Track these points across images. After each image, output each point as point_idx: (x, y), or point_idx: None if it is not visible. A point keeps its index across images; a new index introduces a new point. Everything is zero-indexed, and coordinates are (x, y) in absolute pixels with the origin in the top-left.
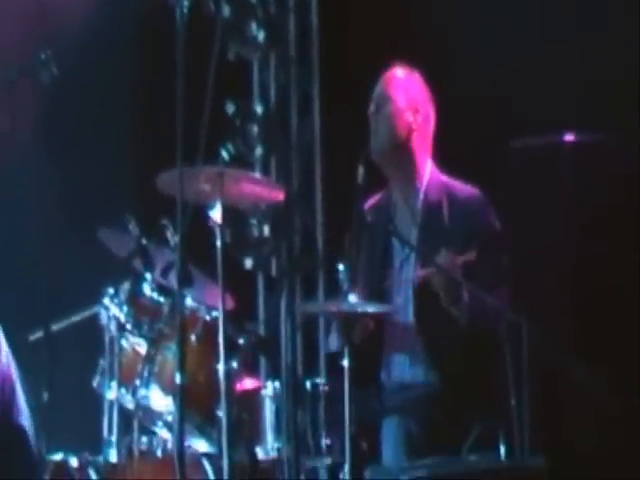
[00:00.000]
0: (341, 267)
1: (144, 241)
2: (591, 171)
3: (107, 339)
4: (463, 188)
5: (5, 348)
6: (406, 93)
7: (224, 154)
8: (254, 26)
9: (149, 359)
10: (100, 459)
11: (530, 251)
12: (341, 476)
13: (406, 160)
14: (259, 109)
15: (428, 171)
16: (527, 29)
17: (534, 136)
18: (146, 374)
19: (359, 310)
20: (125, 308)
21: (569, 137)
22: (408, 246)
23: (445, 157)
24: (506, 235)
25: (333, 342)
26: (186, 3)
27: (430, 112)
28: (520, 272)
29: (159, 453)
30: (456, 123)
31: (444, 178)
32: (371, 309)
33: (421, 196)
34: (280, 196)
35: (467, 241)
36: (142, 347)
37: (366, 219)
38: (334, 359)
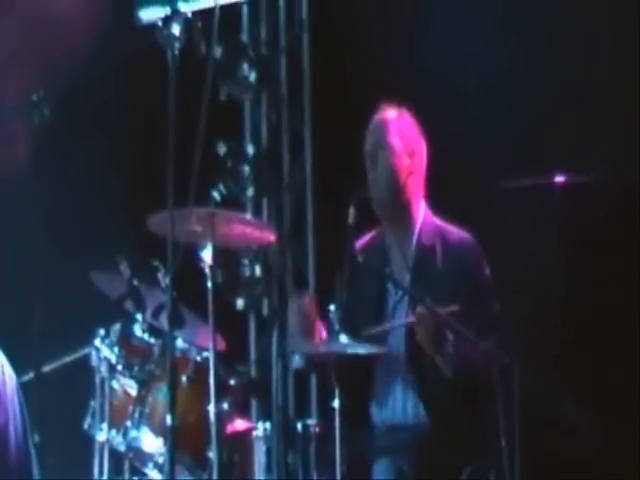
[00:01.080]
0: (332, 307)
1: (135, 282)
2: (582, 212)
3: (98, 380)
4: (455, 232)
5: (12, 382)
6: (401, 136)
7: (215, 195)
8: (245, 66)
9: (140, 400)
10: None
11: (521, 292)
12: None
13: (402, 204)
14: (250, 150)
15: (422, 213)
16: (518, 63)
17: (524, 177)
18: (137, 415)
19: (350, 351)
20: (116, 349)
21: (559, 178)
22: (402, 290)
23: (434, 198)
24: (495, 281)
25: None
26: (177, 44)
27: (424, 150)
28: (510, 313)
29: None
30: (445, 163)
31: (437, 221)
32: (362, 350)
33: (414, 240)
34: (271, 237)
35: (457, 287)
36: (133, 388)
37: (357, 260)
38: (325, 401)
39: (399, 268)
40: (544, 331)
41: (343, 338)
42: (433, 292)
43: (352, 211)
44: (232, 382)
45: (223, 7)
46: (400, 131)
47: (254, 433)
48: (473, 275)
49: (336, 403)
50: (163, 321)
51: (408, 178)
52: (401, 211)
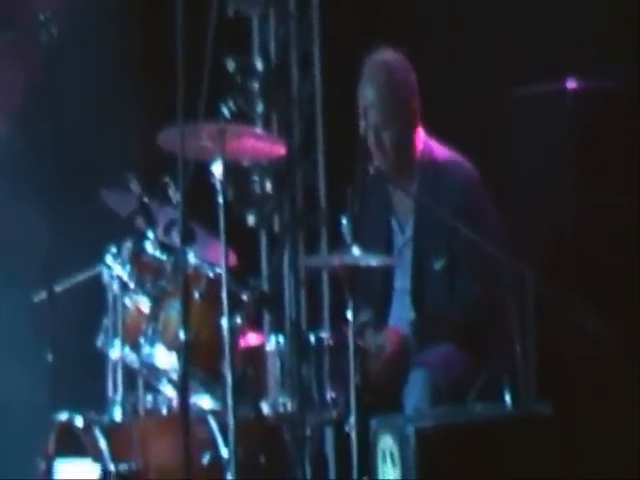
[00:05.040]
0: (344, 221)
1: (146, 199)
2: (594, 118)
3: (110, 298)
4: (454, 169)
5: None
6: (403, 86)
7: (225, 111)
8: None
9: (153, 317)
10: (105, 418)
11: (533, 200)
12: (347, 429)
13: (407, 158)
14: (259, 65)
15: (421, 149)
16: None
17: (536, 83)
18: (150, 332)
19: (362, 262)
20: (128, 267)
21: (571, 84)
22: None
23: (446, 111)
24: (506, 193)
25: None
26: None
27: (416, 88)
28: (522, 222)
29: (164, 411)
30: (457, 72)
31: (437, 154)
32: (374, 261)
33: (416, 182)
34: (282, 151)
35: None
36: (145, 305)
37: (369, 174)
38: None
39: (403, 209)
40: (557, 243)
41: (355, 250)
42: (435, 235)
43: (362, 124)
44: (244, 296)
45: None
46: (397, 86)
47: (267, 347)
48: (466, 209)
49: (349, 314)
50: (174, 237)
51: (415, 134)
52: (405, 162)
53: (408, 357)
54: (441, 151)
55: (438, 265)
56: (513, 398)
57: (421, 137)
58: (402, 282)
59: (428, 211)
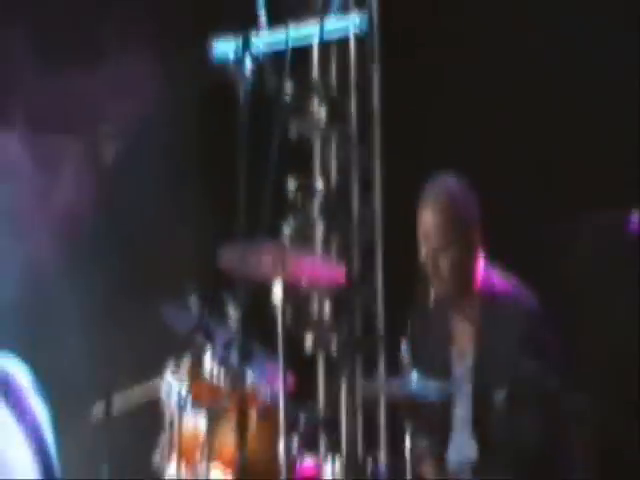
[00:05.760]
0: (404, 347)
1: (205, 317)
2: None
3: (168, 415)
4: (516, 299)
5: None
6: (463, 212)
7: (285, 231)
8: (316, 105)
9: (209, 434)
10: None
11: (596, 331)
12: None
13: (469, 287)
14: (320, 186)
15: (482, 278)
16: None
17: (599, 213)
18: (206, 449)
19: (420, 391)
20: (186, 383)
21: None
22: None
23: (509, 236)
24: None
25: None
26: (250, 80)
27: (478, 215)
28: (586, 353)
29: None
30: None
31: (498, 283)
32: (433, 389)
33: (476, 312)
34: (341, 276)
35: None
36: (202, 423)
37: (429, 300)
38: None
39: (463, 338)
40: (622, 374)
41: (414, 376)
42: (496, 366)
43: (422, 249)
44: (301, 419)
45: (294, 45)
46: (457, 211)
47: (323, 472)
48: (529, 337)
49: (407, 442)
50: (233, 356)
51: (474, 262)
52: (464, 289)
53: None
54: (502, 280)
55: (499, 396)
56: None
57: (481, 265)
58: (462, 411)
59: (489, 341)
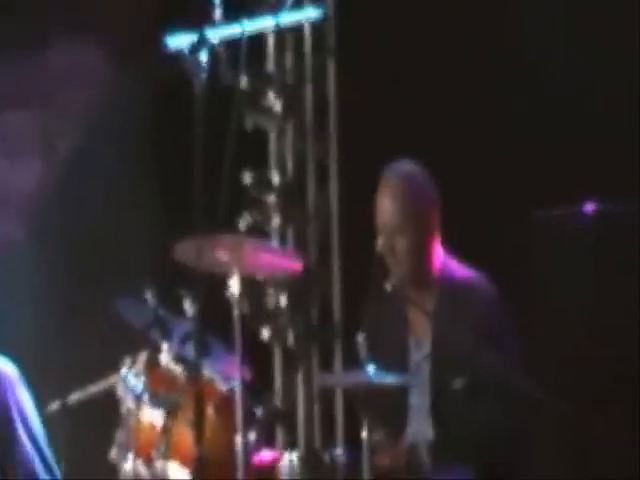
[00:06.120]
0: (360, 338)
1: (161, 311)
2: (612, 241)
3: (124, 410)
4: (474, 287)
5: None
6: (421, 196)
7: (241, 224)
8: (271, 96)
9: (166, 431)
10: None
11: (551, 322)
12: None
13: (424, 271)
14: (276, 179)
15: (439, 266)
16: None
17: (555, 206)
18: (163, 446)
19: (377, 382)
20: (142, 378)
21: (590, 207)
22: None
23: (465, 230)
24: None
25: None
26: (204, 73)
27: (438, 202)
28: (539, 343)
29: None
30: (477, 192)
31: (456, 272)
32: (389, 380)
33: (434, 299)
34: (297, 266)
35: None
36: (159, 419)
37: (385, 291)
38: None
39: (421, 327)
40: (576, 364)
41: (370, 368)
42: (454, 354)
43: (380, 240)
44: (258, 412)
45: (249, 36)
46: (415, 196)
47: (280, 464)
48: (486, 328)
49: (364, 434)
50: (190, 350)
51: (431, 246)
52: (421, 274)
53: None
54: (461, 269)
55: (457, 384)
56: None
57: (439, 252)
58: (419, 400)
59: (447, 328)
